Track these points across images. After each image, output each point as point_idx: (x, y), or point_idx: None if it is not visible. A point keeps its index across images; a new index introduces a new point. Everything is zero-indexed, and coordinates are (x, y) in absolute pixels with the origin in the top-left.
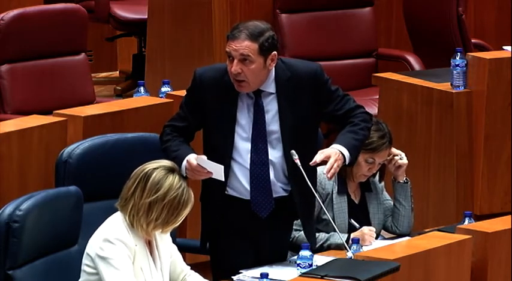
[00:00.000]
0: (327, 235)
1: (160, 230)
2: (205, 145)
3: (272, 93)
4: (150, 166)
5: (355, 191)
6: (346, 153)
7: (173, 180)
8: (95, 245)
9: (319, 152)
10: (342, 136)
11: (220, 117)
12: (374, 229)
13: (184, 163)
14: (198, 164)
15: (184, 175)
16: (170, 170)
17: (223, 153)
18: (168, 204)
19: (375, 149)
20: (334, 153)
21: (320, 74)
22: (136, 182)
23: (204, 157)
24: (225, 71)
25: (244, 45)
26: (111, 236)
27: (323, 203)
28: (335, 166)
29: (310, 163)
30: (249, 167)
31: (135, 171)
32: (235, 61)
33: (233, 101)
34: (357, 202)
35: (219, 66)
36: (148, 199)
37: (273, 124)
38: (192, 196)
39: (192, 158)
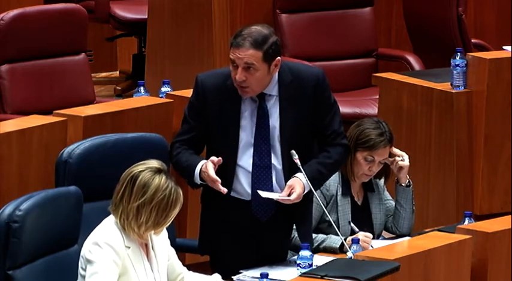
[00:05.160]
0: (324, 237)
1: (153, 232)
2: (209, 151)
3: (274, 96)
4: (136, 168)
5: (358, 191)
6: (306, 184)
7: (160, 181)
8: (85, 247)
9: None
10: (310, 167)
11: (224, 123)
12: (371, 236)
13: (199, 168)
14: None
15: (199, 182)
16: (157, 171)
17: (227, 159)
18: (156, 206)
19: (372, 146)
20: (298, 183)
21: (322, 80)
22: (124, 186)
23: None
24: (227, 76)
25: (248, 54)
26: (100, 239)
27: (327, 204)
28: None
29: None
30: (250, 170)
31: (123, 174)
32: (240, 69)
33: (236, 106)
34: (359, 203)
35: (221, 71)
36: (136, 202)
37: (275, 127)
38: (181, 195)
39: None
